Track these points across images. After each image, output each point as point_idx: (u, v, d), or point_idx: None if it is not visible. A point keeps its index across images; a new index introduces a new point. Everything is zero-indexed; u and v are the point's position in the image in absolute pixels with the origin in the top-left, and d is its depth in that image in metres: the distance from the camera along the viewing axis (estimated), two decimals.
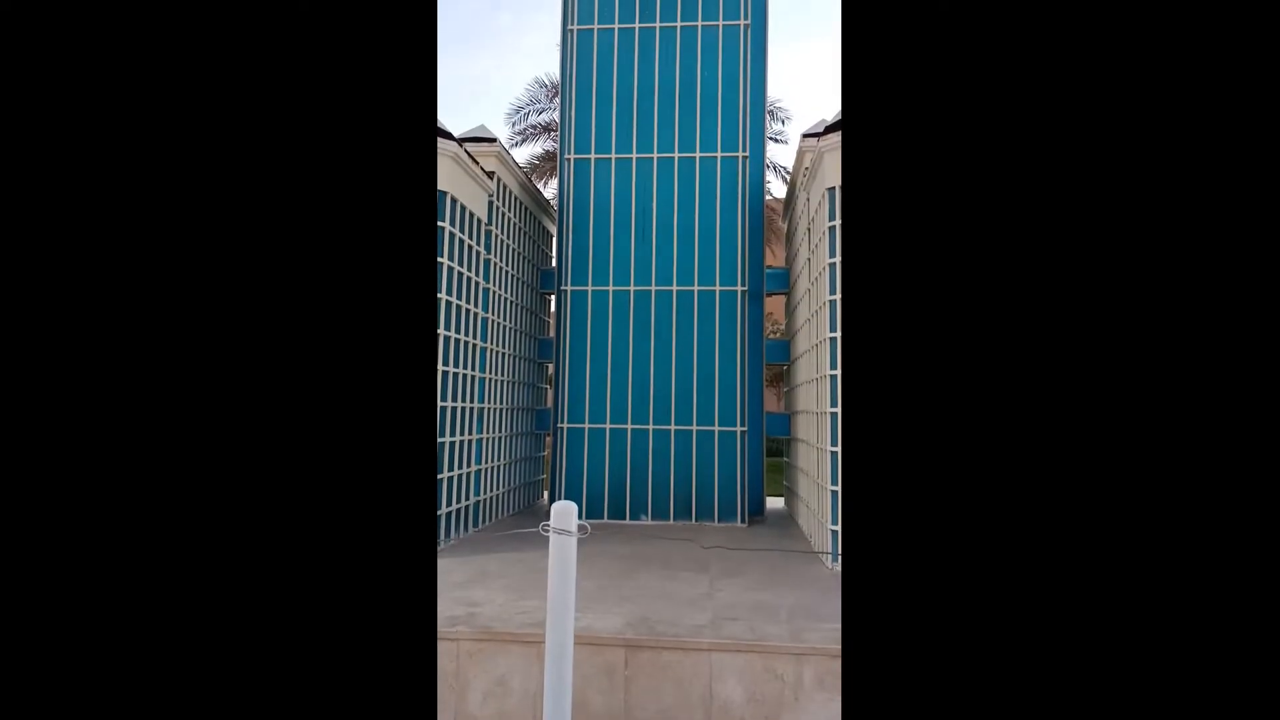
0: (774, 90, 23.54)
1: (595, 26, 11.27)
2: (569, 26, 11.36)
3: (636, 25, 11.20)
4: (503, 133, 21.10)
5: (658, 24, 11.18)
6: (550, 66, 22.38)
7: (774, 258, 18.87)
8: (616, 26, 11.24)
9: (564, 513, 5.36)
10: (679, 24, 11.16)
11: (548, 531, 5.23)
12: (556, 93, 17.14)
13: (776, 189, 19.53)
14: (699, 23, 11.14)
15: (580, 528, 5.26)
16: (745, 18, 11.08)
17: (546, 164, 19.77)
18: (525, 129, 20.29)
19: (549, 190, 19.27)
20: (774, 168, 19.45)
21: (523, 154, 20.20)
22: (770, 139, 18.26)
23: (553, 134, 19.63)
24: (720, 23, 11.11)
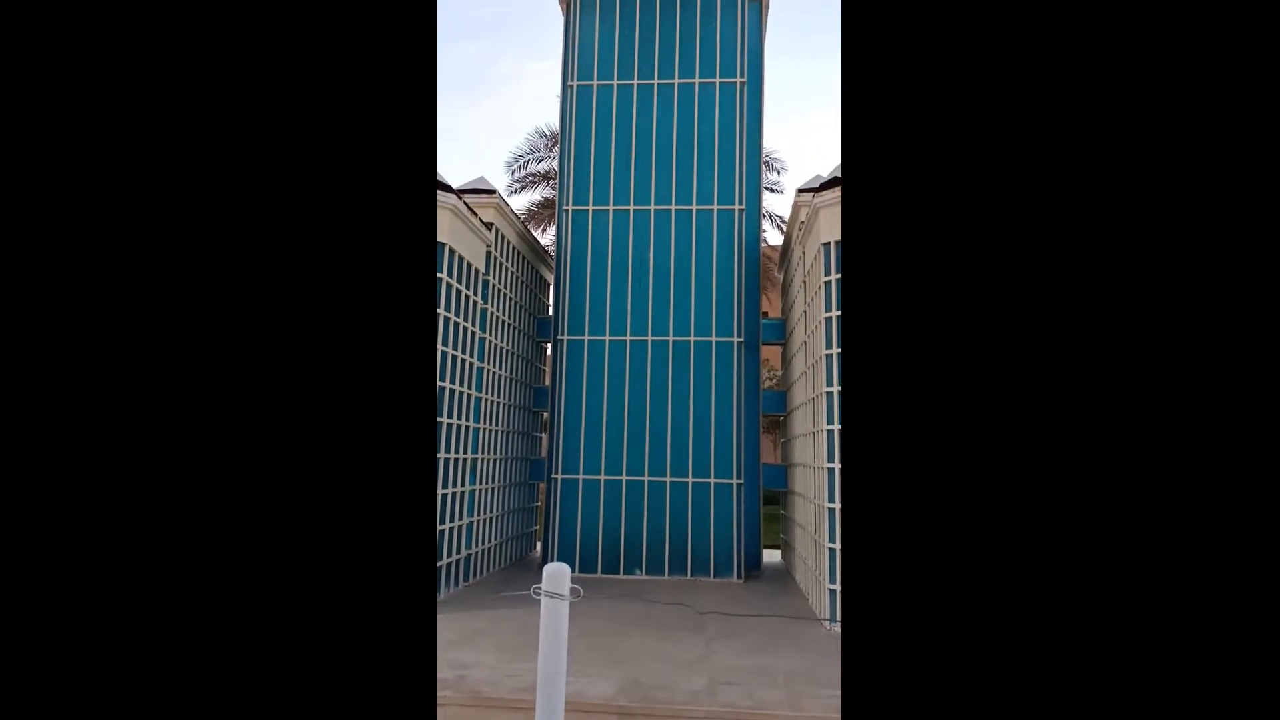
0: (769, 140, 24.01)
1: (595, 83, 11.52)
2: (569, 82, 11.60)
3: (635, 82, 11.45)
4: (502, 180, 21.40)
5: (656, 81, 11.43)
6: (549, 114, 22.84)
7: (770, 305, 18.99)
8: (615, 83, 11.49)
9: (556, 575, 5.24)
10: (676, 81, 11.41)
11: (539, 594, 5.13)
12: (556, 142, 17.43)
13: (773, 237, 19.76)
14: (696, 80, 11.39)
15: (573, 590, 5.15)
16: (741, 76, 11.34)
17: (545, 211, 19.98)
18: (525, 176, 20.55)
19: (547, 237, 19.46)
20: (769, 216, 19.70)
21: (522, 200, 20.44)
22: (766, 189, 18.54)
23: (551, 181, 19.90)
24: (717, 80, 11.37)
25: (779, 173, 20.48)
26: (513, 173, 20.53)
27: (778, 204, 27.18)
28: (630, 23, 11.60)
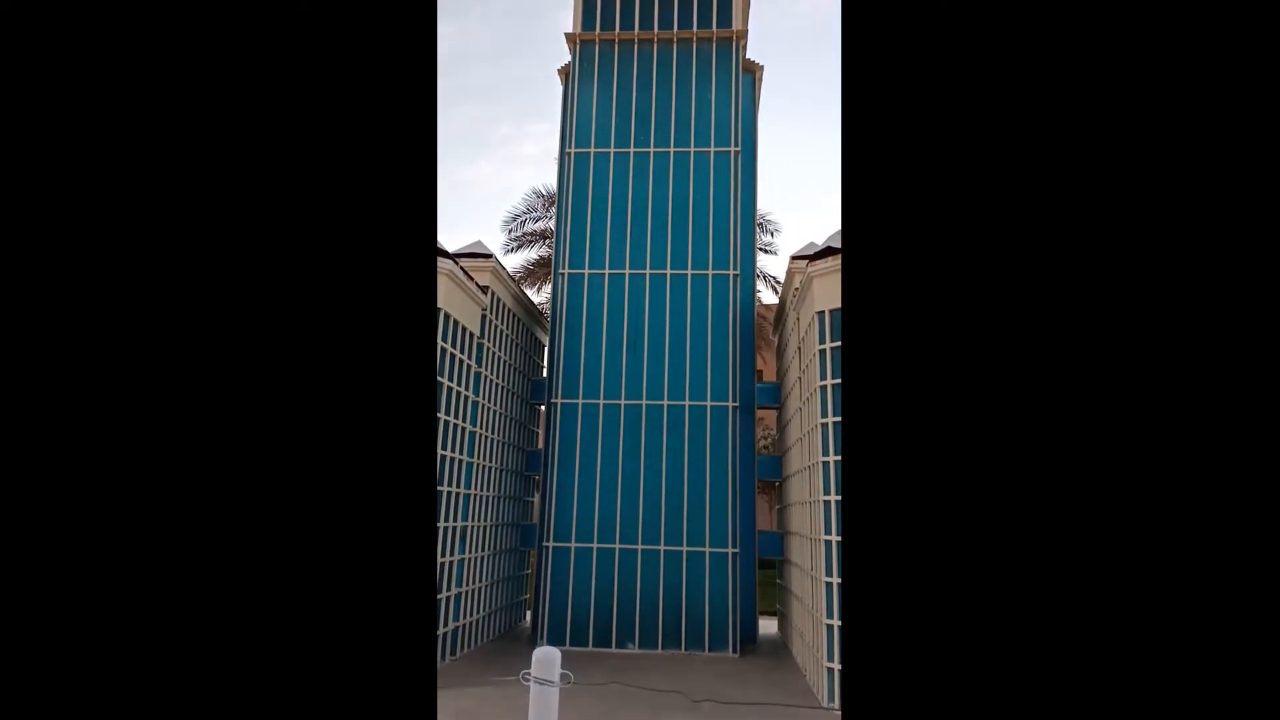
0: (762, 202, 24.44)
1: (592, 150, 11.72)
2: (567, 149, 11.80)
3: (631, 149, 11.66)
4: (499, 239, 21.61)
5: (651, 149, 11.64)
6: (547, 173, 23.21)
7: (764, 363, 19.00)
8: (612, 150, 11.69)
9: (546, 661, 5.06)
10: (672, 149, 11.62)
11: (528, 681, 4.92)
12: (553, 202, 17.67)
13: (767, 296, 19.92)
14: (691, 149, 11.60)
15: (563, 676, 4.95)
16: (735, 145, 11.56)
17: (541, 270, 20.15)
18: (521, 236, 20.79)
19: (543, 295, 19.56)
20: (764, 276, 19.89)
21: (518, 259, 20.63)
22: (760, 249, 18.77)
23: (548, 241, 20.12)
24: (711, 149, 11.58)
25: (772, 234, 20.82)
26: (510, 231, 20.79)
27: (772, 264, 27.60)
28: (627, 92, 11.88)
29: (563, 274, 11.39)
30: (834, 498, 8.04)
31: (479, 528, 10.08)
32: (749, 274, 11.55)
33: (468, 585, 9.65)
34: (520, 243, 20.75)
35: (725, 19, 11.98)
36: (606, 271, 11.28)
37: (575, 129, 11.84)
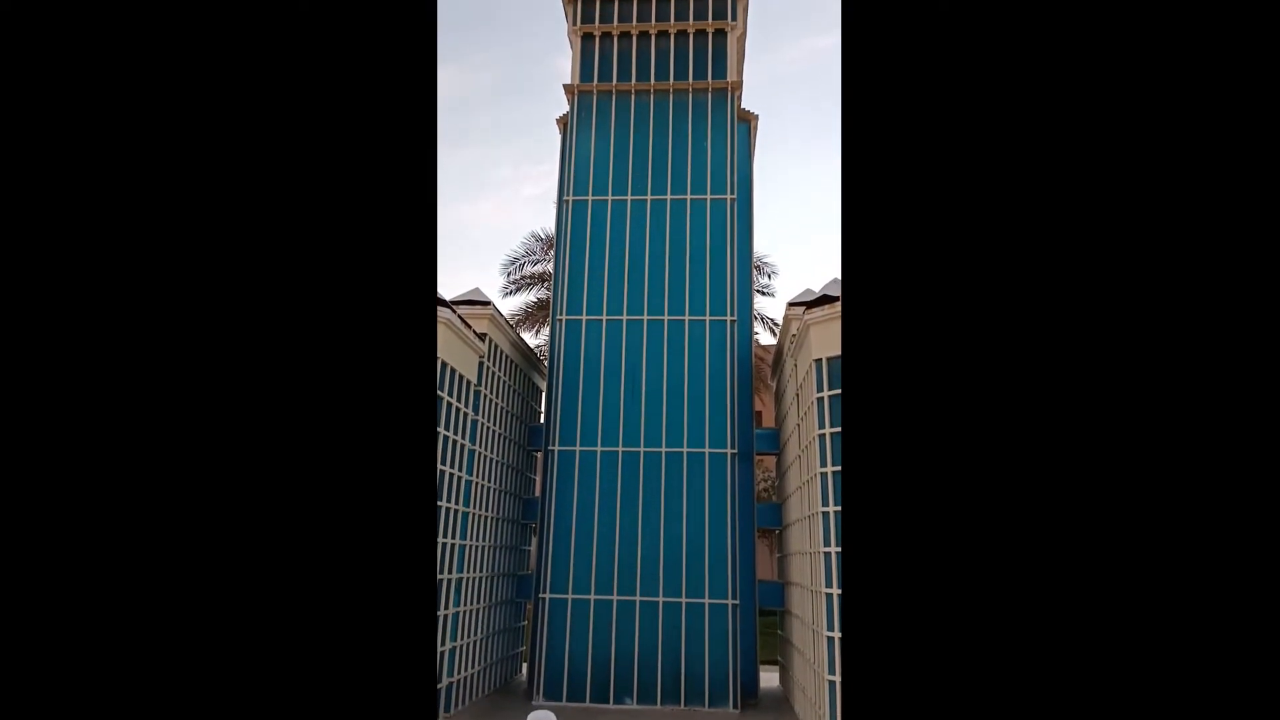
0: (759, 245, 24.64)
1: (590, 198, 11.85)
2: (565, 197, 11.93)
3: (629, 198, 11.79)
4: (498, 282, 21.71)
5: (649, 197, 11.77)
6: (546, 215, 23.44)
7: (762, 404, 18.94)
8: (610, 198, 11.82)
9: None
10: (669, 197, 11.75)
11: None
12: (551, 245, 17.81)
13: (765, 338, 19.96)
14: (688, 196, 11.74)
15: None
16: (731, 193, 11.70)
17: (539, 312, 20.22)
18: (520, 279, 20.91)
19: (541, 337, 19.59)
20: (761, 318, 19.96)
21: (517, 301, 20.72)
22: (758, 291, 18.87)
23: (546, 284, 20.22)
24: (708, 197, 11.71)
25: (770, 276, 20.93)
26: (508, 275, 20.92)
27: (770, 306, 27.75)
28: (624, 142, 12.06)
29: (560, 320, 11.41)
30: (834, 549, 7.93)
31: (475, 579, 9.92)
32: (746, 320, 11.58)
33: (463, 639, 9.46)
34: (519, 285, 20.86)
35: (720, 71, 12.23)
36: (604, 318, 11.31)
37: (574, 177, 11.98)
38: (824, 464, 8.22)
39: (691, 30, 12.38)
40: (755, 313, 15.35)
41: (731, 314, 11.20)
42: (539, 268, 20.86)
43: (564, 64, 12.73)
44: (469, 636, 9.70)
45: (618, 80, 12.32)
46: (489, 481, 10.59)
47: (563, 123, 12.55)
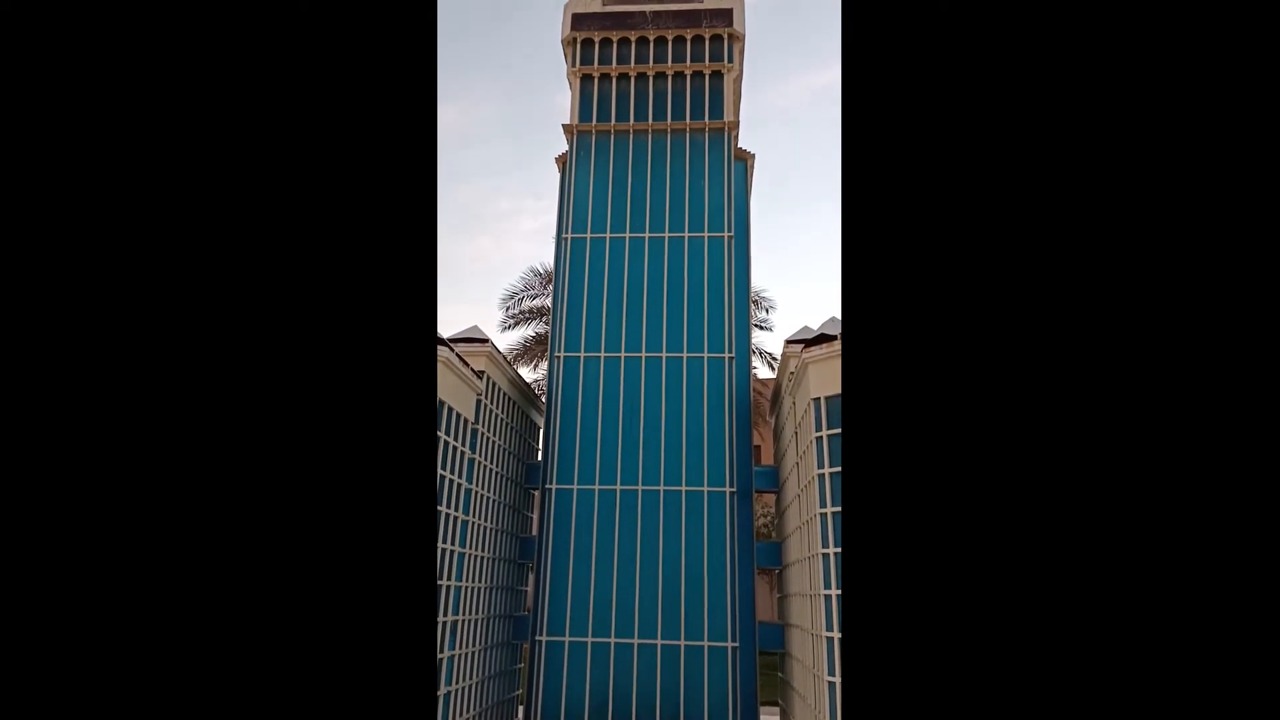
0: (757, 279, 24.76)
1: (588, 235, 11.93)
2: (563, 235, 12.01)
3: (627, 235, 11.87)
4: (496, 315, 21.79)
5: (647, 234, 11.86)
6: (544, 248, 23.56)
7: (761, 438, 18.85)
8: (608, 236, 11.90)
9: None
10: (667, 235, 11.83)
11: None
12: (549, 280, 17.91)
13: (763, 372, 19.97)
14: (685, 234, 11.82)
15: None
16: (729, 230, 11.78)
17: (538, 346, 20.25)
18: (519, 313, 21.00)
19: (539, 372, 19.58)
20: (760, 353, 19.99)
21: (515, 336, 20.80)
22: (755, 325, 18.92)
23: (544, 318, 20.28)
24: (705, 235, 11.80)
25: (767, 310, 21.03)
26: (507, 309, 21.02)
27: (768, 340, 27.84)
28: (623, 180, 12.18)
29: (559, 357, 11.41)
30: (835, 592, 7.83)
31: (471, 621, 9.77)
32: (744, 358, 11.59)
33: (457, 683, 9.28)
34: (517, 320, 20.94)
35: (717, 112, 12.40)
36: (602, 355, 11.31)
37: (572, 214, 12.08)
38: (823, 504, 8.15)
39: (689, 72, 12.58)
40: (753, 347, 15.40)
41: (729, 351, 11.21)
42: (537, 302, 20.95)
43: (563, 99, 12.94)
44: (465, 680, 9.52)
45: (616, 120, 12.48)
46: (486, 521, 10.48)
47: (562, 161, 12.69)
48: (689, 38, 12.65)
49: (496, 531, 10.93)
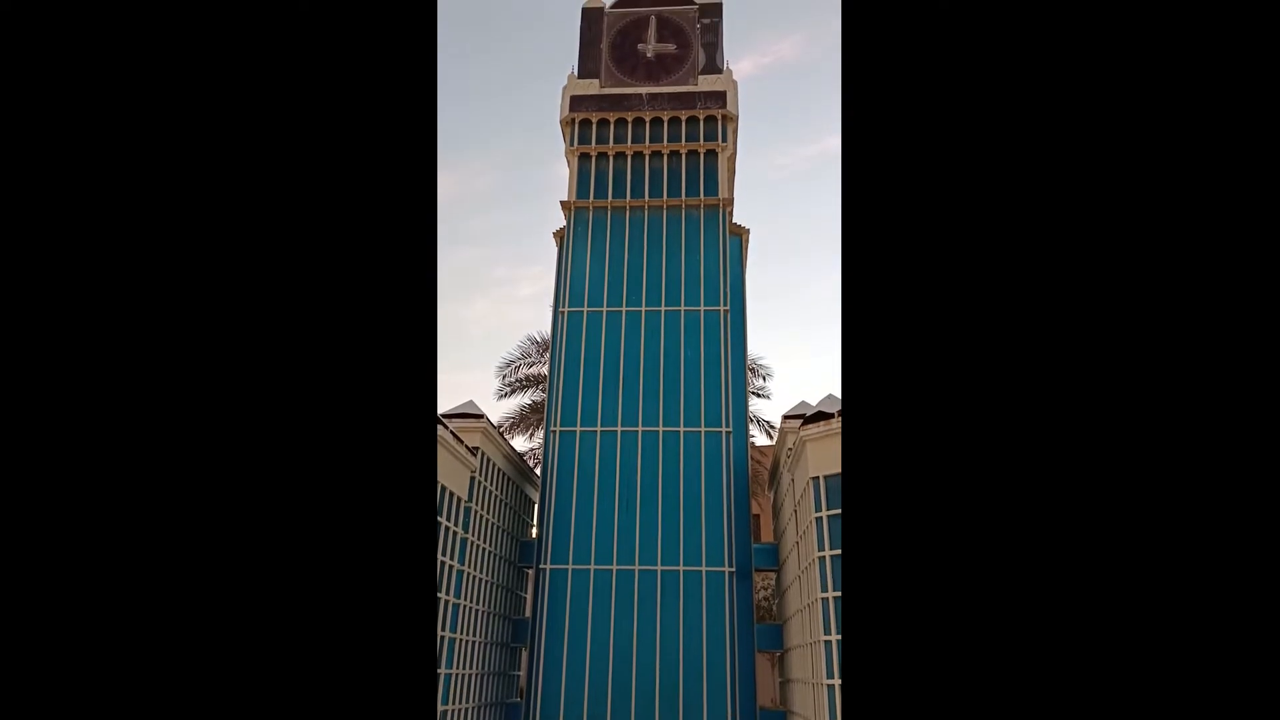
0: (754, 347, 24.90)
1: (585, 309, 12.00)
2: (560, 309, 12.08)
3: (624, 309, 11.94)
4: (492, 383, 21.72)
5: (643, 308, 11.93)
6: (541, 314, 23.73)
7: (760, 509, 18.58)
8: (605, 309, 11.97)
9: None
10: (663, 309, 11.91)
11: None
12: (546, 348, 17.92)
13: (760, 439, 19.82)
14: (682, 308, 11.90)
15: None
16: (725, 304, 11.87)
17: (534, 415, 20.12)
18: (515, 381, 20.93)
19: (535, 440, 19.42)
20: (757, 421, 19.90)
21: (512, 404, 20.68)
22: (753, 393, 18.87)
23: (541, 385, 20.23)
24: (702, 308, 11.88)
25: (765, 378, 20.98)
26: (504, 377, 20.94)
27: (766, 408, 27.88)
28: (619, 255, 12.33)
29: (555, 431, 11.32)
30: (837, 681, 7.56)
31: (461, 710, 9.38)
32: (741, 431, 11.51)
33: None
34: (514, 388, 20.85)
35: (712, 189, 12.66)
36: (599, 429, 11.22)
37: (569, 288, 12.18)
38: (825, 589, 7.95)
39: (684, 151, 12.90)
40: (751, 415, 15.33)
41: (727, 425, 11.13)
42: (534, 369, 20.93)
43: (562, 170, 13.24)
44: None
45: (613, 196, 12.72)
46: (478, 604, 10.19)
47: (559, 236, 12.87)
48: (684, 119, 13.01)
49: (488, 614, 10.61)
